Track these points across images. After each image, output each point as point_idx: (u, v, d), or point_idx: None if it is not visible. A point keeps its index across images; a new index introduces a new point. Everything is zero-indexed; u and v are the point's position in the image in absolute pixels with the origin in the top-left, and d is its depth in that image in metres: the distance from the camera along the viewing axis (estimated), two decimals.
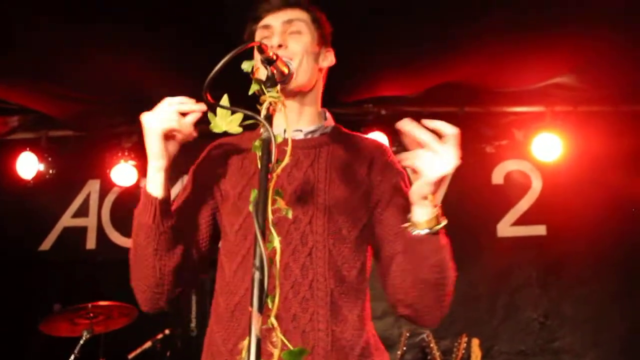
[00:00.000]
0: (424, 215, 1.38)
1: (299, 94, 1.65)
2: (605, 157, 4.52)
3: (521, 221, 4.58)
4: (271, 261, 1.05)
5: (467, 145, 4.84)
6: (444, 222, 1.40)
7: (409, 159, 1.33)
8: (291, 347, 0.99)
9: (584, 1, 3.13)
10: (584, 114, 4.50)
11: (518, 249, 4.56)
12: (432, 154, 1.30)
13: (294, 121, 1.66)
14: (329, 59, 1.74)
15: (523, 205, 4.60)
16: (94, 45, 3.55)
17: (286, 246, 1.50)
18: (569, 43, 3.57)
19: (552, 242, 4.54)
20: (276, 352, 0.99)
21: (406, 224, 1.43)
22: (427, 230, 1.39)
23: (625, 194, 4.48)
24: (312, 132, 1.67)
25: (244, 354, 0.97)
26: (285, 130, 1.34)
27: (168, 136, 1.45)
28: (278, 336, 1.00)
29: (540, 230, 4.58)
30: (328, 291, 1.48)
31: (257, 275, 1.01)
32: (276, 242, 1.09)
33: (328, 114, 1.75)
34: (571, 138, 4.42)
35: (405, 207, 1.47)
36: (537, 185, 4.65)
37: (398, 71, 3.94)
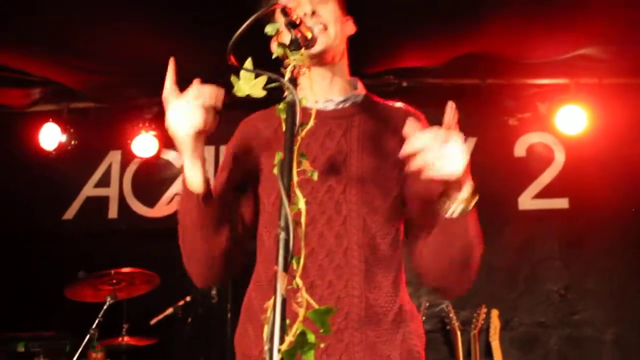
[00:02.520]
0: (454, 198, 1.37)
1: (331, 62, 1.65)
2: (630, 131, 4.44)
3: (543, 194, 4.53)
4: (296, 223, 1.05)
5: (490, 117, 4.83)
6: (475, 201, 1.38)
7: (414, 160, 1.30)
8: (317, 307, 1.00)
9: None
10: (609, 87, 4.41)
11: (540, 221, 4.52)
12: (437, 156, 1.28)
13: (326, 91, 1.66)
14: (350, 27, 1.74)
15: (545, 178, 4.55)
16: (114, 17, 3.55)
17: (320, 215, 1.53)
18: (594, 13, 3.48)
19: (574, 215, 4.49)
20: (301, 312, 0.99)
21: (438, 205, 1.41)
22: (458, 212, 1.38)
23: None
24: (343, 101, 1.67)
25: (269, 312, 0.98)
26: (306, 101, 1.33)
27: (197, 135, 1.42)
28: (303, 296, 1.00)
29: (562, 203, 4.53)
30: (362, 259, 1.51)
31: (282, 235, 1.02)
32: (301, 203, 1.09)
33: (359, 83, 1.75)
34: (596, 111, 4.34)
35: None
36: (560, 158, 4.58)
37: (419, 42, 3.89)
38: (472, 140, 4.60)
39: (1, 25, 3.61)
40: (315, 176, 1.21)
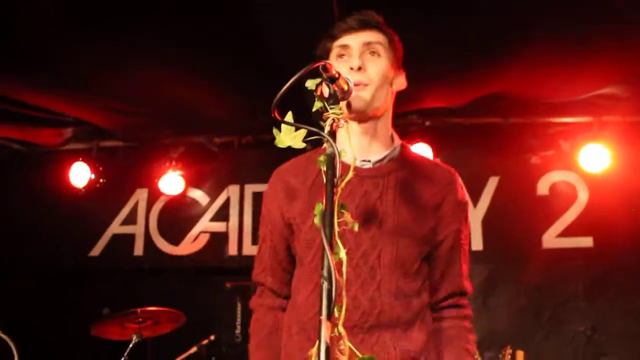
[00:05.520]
0: None
1: (371, 118, 1.64)
2: None
3: (567, 232, 4.50)
4: (336, 272, 1.09)
5: (512, 156, 4.84)
6: None
7: None
8: (360, 355, 1.03)
9: (631, 12, 3.10)
10: (632, 125, 4.42)
11: (564, 260, 4.48)
12: None
13: (365, 149, 1.66)
14: (401, 82, 1.72)
15: (569, 216, 4.53)
16: (143, 62, 3.69)
17: (355, 278, 1.56)
18: (616, 54, 3.53)
19: (598, 254, 4.45)
20: (344, 359, 1.03)
21: None
22: None
23: None
24: (380, 160, 1.66)
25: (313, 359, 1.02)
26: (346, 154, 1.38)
27: None
28: (346, 344, 1.03)
29: (586, 242, 4.50)
30: (394, 319, 1.57)
31: (325, 285, 1.05)
32: (342, 253, 1.13)
33: (395, 136, 1.73)
34: (619, 149, 4.34)
35: (461, 252, 1.68)
36: (583, 197, 4.57)
37: (443, 83, 3.96)
38: (495, 179, 4.61)
39: (37, 69, 3.76)
40: (356, 227, 1.25)
